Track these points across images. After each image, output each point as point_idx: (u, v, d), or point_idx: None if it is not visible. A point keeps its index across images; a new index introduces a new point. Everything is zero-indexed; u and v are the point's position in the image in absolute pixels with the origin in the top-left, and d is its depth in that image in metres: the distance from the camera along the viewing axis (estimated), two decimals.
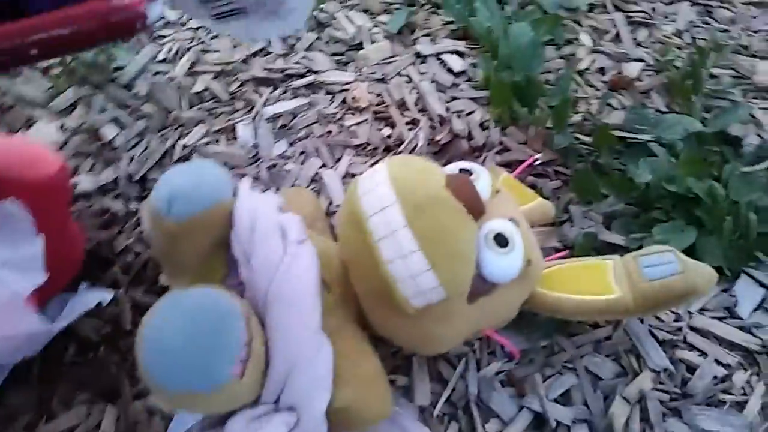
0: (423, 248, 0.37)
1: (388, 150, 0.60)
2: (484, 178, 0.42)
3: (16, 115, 0.59)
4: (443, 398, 0.46)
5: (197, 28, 0.71)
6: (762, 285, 0.51)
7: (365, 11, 0.73)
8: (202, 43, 0.69)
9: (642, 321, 0.50)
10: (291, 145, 0.61)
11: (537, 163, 0.56)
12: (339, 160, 0.60)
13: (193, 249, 0.41)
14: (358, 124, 0.62)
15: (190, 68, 0.66)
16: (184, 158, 0.59)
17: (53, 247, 0.43)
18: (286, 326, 0.37)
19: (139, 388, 0.47)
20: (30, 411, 0.47)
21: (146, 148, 0.59)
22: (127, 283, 0.52)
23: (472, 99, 0.64)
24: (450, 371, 0.47)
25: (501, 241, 0.39)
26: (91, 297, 0.47)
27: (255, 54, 0.68)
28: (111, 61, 0.65)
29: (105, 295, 0.48)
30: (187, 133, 0.61)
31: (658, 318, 0.50)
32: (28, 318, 0.41)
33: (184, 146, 0.60)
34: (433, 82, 0.66)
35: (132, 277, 0.53)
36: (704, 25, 0.74)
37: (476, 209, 0.39)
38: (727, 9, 0.76)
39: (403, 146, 0.60)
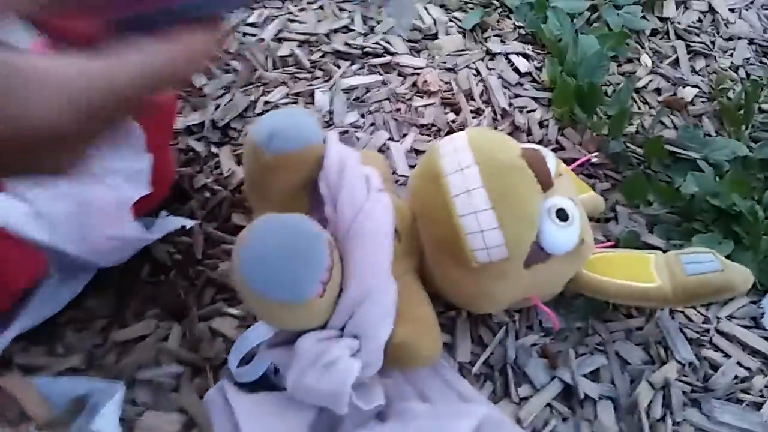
0: (495, 207, 0.41)
1: (451, 133, 0.65)
2: (551, 159, 0.47)
3: None
4: (482, 359, 0.50)
5: (283, 1, 0.76)
6: None
7: (442, 6, 0.78)
8: (290, 13, 0.74)
9: (673, 317, 0.53)
10: (362, 116, 0.65)
11: (591, 161, 0.60)
12: (405, 135, 0.64)
13: (283, 182, 0.46)
14: (425, 106, 0.67)
15: (277, 34, 0.71)
16: (265, 113, 0.64)
17: (154, 165, 0.47)
18: (362, 260, 0.42)
19: (203, 311, 0.52)
20: (105, 316, 0.51)
21: (231, 100, 0.64)
22: (202, 217, 0.57)
23: (534, 98, 0.68)
24: (490, 337, 0.51)
25: (562, 215, 0.43)
26: (174, 221, 0.52)
27: (337, 30, 0.73)
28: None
29: (188, 221, 0.52)
30: (269, 92, 0.66)
31: (687, 317, 0.53)
32: (131, 224, 0.45)
33: (266, 102, 0.65)
34: (499, 78, 0.70)
35: (207, 212, 0.57)
36: (759, 64, 0.77)
37: (546, 181, 0.43)
38: None
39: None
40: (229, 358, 0.46)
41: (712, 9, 0.83)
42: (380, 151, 0.62)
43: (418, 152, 0.63)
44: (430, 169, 0.44)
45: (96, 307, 0.52)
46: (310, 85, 0.67)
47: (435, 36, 0.74)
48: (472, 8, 0.79)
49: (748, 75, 0.76)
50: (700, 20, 0.82)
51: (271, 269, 0.38)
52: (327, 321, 0.42)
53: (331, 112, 0.65)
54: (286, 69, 0.68)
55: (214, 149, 0.61)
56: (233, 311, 0.52)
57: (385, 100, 0.67)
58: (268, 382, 0.46)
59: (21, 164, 0.23)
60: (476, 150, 0.43)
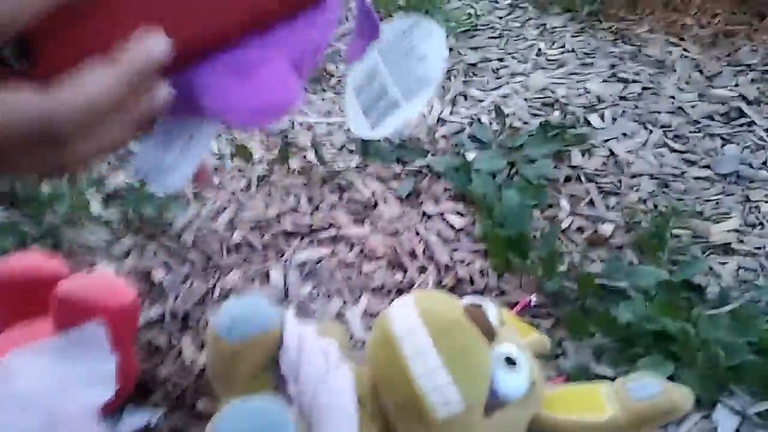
0: (447, 364, 0.44)
1: (400, 292, 0.69)
2: (492, 310, 0.51)
3: (80, 260, 0.68)
4: None
5: (233, 193, 0.83)
6: (737, 413, 0.57)
7: (378, 178, 0.87)
8: (240, 202, 0.81)
9: None
10: (315, 287, 0.69)
11: (532, 303, 0.65)
12: (358, 299, 0.68)
13: (246, 367, 0.48)
14: (374, 271, 0.72)
15: (229, 222, 0.77)
16: (223, 298, 0.67)
17: (119, 367, 0.49)
18: (331, 425, 0.43)
19: None
20: None
21: (189, 287, 0.68)
22: (167, 408, 0.57)
23: (472, 251, 0.75)
24: None
25: (510, 361, 0.47)
26: (140, 417, 0.52)
27: (285, 212, 0.79)
28: (163, 215, 0.75)
29: (153, 415, 0.53)
30: (226, 276, 0.70)
31: None
32: (99, 429, 0.46)
33: (222, 289, 0.68)
34: (438, 236, 0.77)
35: (172, 402, 0.58)
36: (662, 194, 0.88)
37: (489, 333, 0.47)
38: (681, 182, 0.90)
39: (413, 288, 0.69)
40: None
41: (612, 153, 0.95)
42: (337, 317, 0.66)
43: (372, 315, 0.67)
44: (382, 336, 0.48)
45: None
46: (264, 265, 0.71)
47: (375, 205, 0.82)
48: (406, 175, 0.88)
49: (655, 206, 0.85)
50: (605, 164, 0.93)
51: None
52: None
53: (286, 288, 0.69)
54: (239, 253, 0.73)
55: (174, 341, 0.63)
56: None
57: (336, 269, 0.72)
58: None
59: None
60: (423, 312, 0.47)
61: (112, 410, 0.52)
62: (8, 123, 0.22)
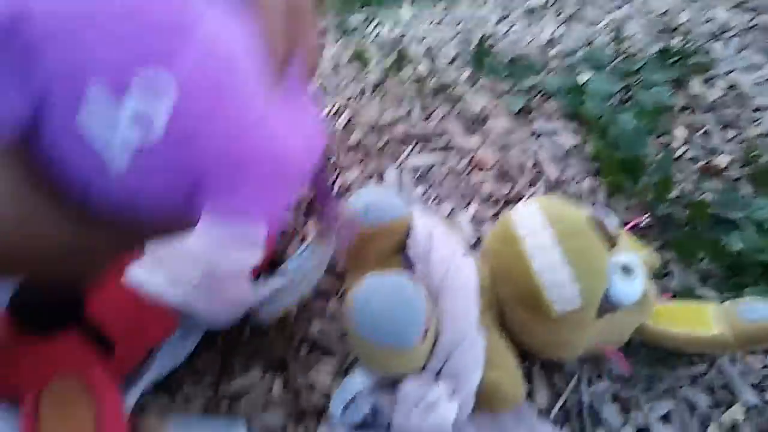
0: (568, 262, 0.47)
1: (508, 203, 0.72)
2: (611, 220, 0.53)
3: None
4: (558, 404, 0.54)
5: (349, 98, 0.86)
6: None
7: (489, 92, 0.87)
8: (355, 107, 0.84)
9: (734, 364, 0.57)
10: (426, 191, 0.73)
11: (643, 224, 0.66)
12: (468, 206, 0.71)
13: (377, 249, 0.53)
14: (482, 181, 0.74)
15: (346, 124, 0.81)
16: (343, 193, 0.72)
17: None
18: (454, 312, 0.48)
19: (301, 365, 0.58)
20: (214, 372, 0.57)
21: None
22: None
23: (583, 170, 0.76)
24: (564, 384, 0.56)
25: (627, 269, 0.49)
26: (266, 288, 0.58)
27: (398, 119, 0.82)
28: None
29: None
30: (345, 174, 0.74)
31: (747, 364, 0.57)
32: (250, 288, 0.52)
33: (341, 184, 0.73)
34: (548, 153, 0.78)
35: None
36: None
37: (610, 240, 0.49)
38: None
39: (522, 200, 0.71)
40: (333, 404, 0.51)
41: (734, 85, 0.91)
42: (446, 219, 0.69)
43: (480, 221, 0.70)
44: (506, 232, 0.51)
45: (205, 364, 0.58)
46: (380, 166, 0.75)
47: (485, 119, 0.83)
48: (515, 93, 0.88)
49: None
50: (725, 95, 0.90)
51: (380, 319, 0.44)
52: (424, 366, 0.48)
53: (400, 189, 0.72)
54: (356, 154, 0.77)
55: (297, 227, 0.69)
56: (327, 365, 0.58)
57: (446, 176, 0.75)
58: (367, 425, 0.51)
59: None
60: (548, 215, 0.50)
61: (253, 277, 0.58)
62: None
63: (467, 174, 0.75)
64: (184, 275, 0.51)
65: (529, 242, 0.49)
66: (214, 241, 0.54)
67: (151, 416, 0.51)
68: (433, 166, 0.76)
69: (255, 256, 0.55)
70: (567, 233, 0.48)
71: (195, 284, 0.51)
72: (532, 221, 0.50)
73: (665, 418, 0.54)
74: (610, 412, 0.54)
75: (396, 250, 0.53)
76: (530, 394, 0.55)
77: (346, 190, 0.72)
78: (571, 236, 0.48)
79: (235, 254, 0.54)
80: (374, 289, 0.45)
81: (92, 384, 0.48)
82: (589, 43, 0.99)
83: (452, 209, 0.71)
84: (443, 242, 0.51)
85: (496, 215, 0.71)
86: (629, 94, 0.87)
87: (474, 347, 0.47)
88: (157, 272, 0.52)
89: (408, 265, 0.52)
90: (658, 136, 0.81)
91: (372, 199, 0.53)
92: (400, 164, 0.75)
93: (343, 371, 0.58)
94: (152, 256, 0.52)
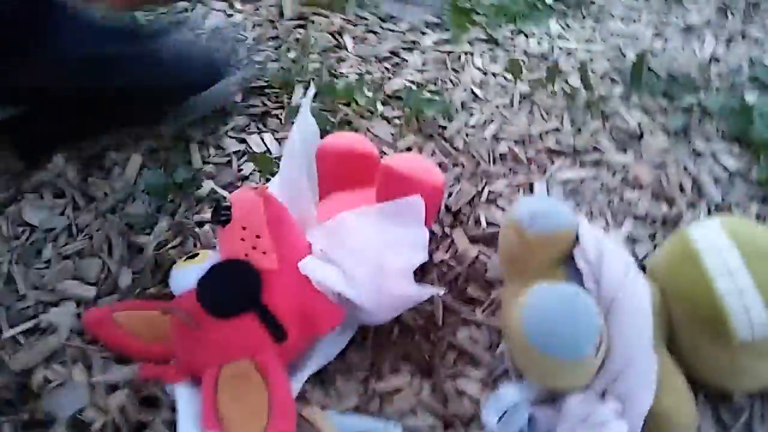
0: (758, 287, 0.44)
1: (666, 222, 0.69)
2: None
3: None
4: None
5: (497, 107, 0.86)
6: None
7: (644, 110, 0.84)
8: (503, 117, 0.84)
9: None
10: (577, 205, 0.71)
11: None
12: (621, 224, 0.69)
13: (541, 258, 0.53)
14: (638, 199, 0.72)
15: (495, 134, 0.81)
16: (490, 202, 0.72)
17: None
18: (626, 331, 0.46)
19: (449, 371, 0.58)
20: (365, 369, 0.59)
21: (460, 189, 0.74)
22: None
23: (748, 195, 0.71)
24: (732, 420, 0.52)
25: None
26: (427, 290, 0.59)
27: (548, 131, 0.81)
28: (437, 119, 0.82)
29: (440, 289, 0.60)
30: (493, 183, 0.74)
31: None
32: (413, 285, 0.54)
33: (490, 192, 0.73)
34: (709, 173, 0.74)
35: (444, 285, 0.65)
36: None
37: None
38: None
39: (681, 222, 0.68)
40: (487, 413, 0.51)
41: None
42: None
43: (635, 240, 0.68)
44: (684, 250, 0.49)
45: (356, 360, 0.60)
46: (528, 177, 0.75)
47: (641, 136, 0.80)
48: (672, 112, 0.84)
49: None
50: None
51: (553, 330, 0.44)
52: (588, 384, 0.47)
53: None
54: (505, 163, 0.77)
55: (447, 230, 0.70)
56: (476, 374, 0.58)
57: (598, 191, 0.73)
58: None
59: None
60: (732, 233, 0.47)
61: None
62: None
63: (620, 191, 0.73)
64: (355, 269, 0.54)
65: (713, 261, 0.46)
66: (380, 240, 0.56)
67: (314, 406, 0.53)
68: (584, 180, 0.74)
69: (420, 257, 0.57)
70: (756, 253, 0.45)
71: (365, 279, 0.53)
72: (716, 239, 0.47)
73: None
74: None
75: (560, 261, 0.53)
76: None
77: (493, 199, 0.72)
78: (761, 258, 0.45)
79: (402, 252, 0.56)
80: (547, 298, 0.45)
81: (265, 367, 0.51)
82: (754, 63, 0.93)
83: (606, 225, 0.69)
84: (615, 256, 0.50)
85: (652, 236, 0.68)
86: None
87: (647, 369, 0.46)
88: (330, 266, 0.55)
89: (574, 277, 0.52)
90: None
91: (538, 207, 0.53)
92: (549, 176, 0.74)
93: (492, 382, 0.58)
94: (326, 250, 0.55)
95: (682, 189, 0.73)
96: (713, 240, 0.47)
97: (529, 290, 0.46)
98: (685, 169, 0.75)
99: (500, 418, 0.51)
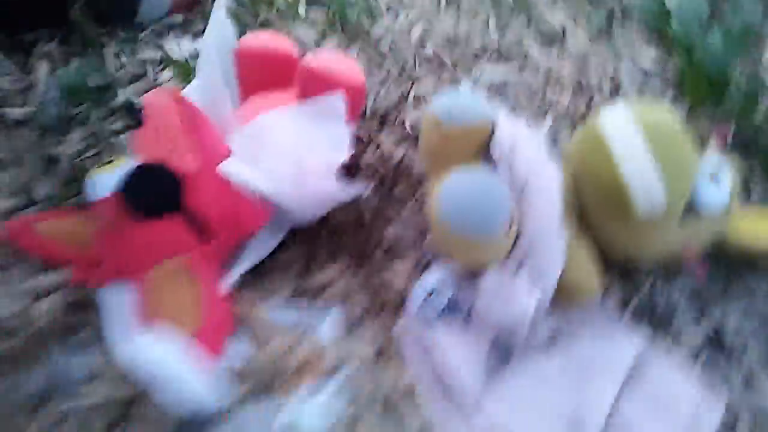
0: (657, 165, 0.47)
1: (584, 118, 0.71)
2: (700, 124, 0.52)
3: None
4: (633, 303, 0.55)
5: (422, 10, 0.85)
6: None
7: (567, 10, 0.85)
8: (428, 20, 0.83)
9: None
10: (502, 104, 0.72)
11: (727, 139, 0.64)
12: (543, 119, 0.71)
13: (461, 150, 0.54)
14: (559, 96, 0.73)
15: (420, 37, 0.80)
16: (417, 103, 0.72)
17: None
18: (538, 210, 0.49)
19: (378, 264, 0.60)
20: (297, 266, 0.60)
21: (386, 92, 0.73)
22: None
23: (664, 90, 0.74)
24: (639, 285, 0.57)
25: (714, 176, 0.49)
26: (358, 186, 0.60)
27: (473, 33, 0.81)
28: (367, 23, 0.80)
29: (360, 189, 0.60)
30: (419, 85, 0.74)
31: None
32: (335, 184, 0.54)
33: (415, 94, 0.73)
34: (628, 72, 0.76)
35: (373, 186, 0.66)
36: None
37: (700, 146, 0.48)
38: None
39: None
40: (414, 296, 0.54)
41: None
42: None
43: (555, 132, 0.70)
44: (592, 135, 0.51)
45: (289, 257, 0.61)
46: (454, 79, 0.75)
47: (563, 36, 0.81)
48: (595, 12, 0.85)
49: None
50: None
51: (467, 210, 0.46)
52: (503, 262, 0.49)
53: None
54: (430, 65, 0.77)
55: (373, 134, 0.70)
56: (403, 266, 0.60)
57: (521, 91, 0.74)
58: (444, 316, 0.53)
59: None
60: (638, 119, 0.49)
61: None
62: None
63: (542, 90, 0.74)
64: (276, 170, 0.54)
65: (617, 144, 0.49)
66: (301, 140, 0.56)
67: (246, 299, 0.54)
68: (507, 80, 0.75)
69: (342, 155, 0.57)
70: (656, 135, 0.48)
71: (285, 177, 0.53)
72: (621, 123, 0.49)
73: (738, 321, 0.54)
74: (684, 313, 0.55)
75: (479, 152, 0.54)
76: (605, 294, 0.56)
77: (419, 100, 0.73)
78: (661, 138, 0.48)
79: (324, 151, 0.56)
80: (461, 183, 0.47)
81: (193, 266, 0.52)
82: None
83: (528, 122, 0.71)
84: (527, 144, 0.51)
85: (572, 129, 0.70)
86: (715, 17, 0.83)
87: (556, 244, 0.48)
88: (250, 165, 0.54)
89: (490, 165, 0.53)
90: (745, 59, 0.78)
91: (456, 101, 0.53)
92: (475, 78, 0.75)
93: (418, 274, 0.60)
94: (246, 149, 0.55)
95: (600, 86, 0.74)
96: (620, 126, 0.49)
97: (446, 176, 0.47)
98: (606, 67, 0.77)
99: (423, 303, 0.54)
